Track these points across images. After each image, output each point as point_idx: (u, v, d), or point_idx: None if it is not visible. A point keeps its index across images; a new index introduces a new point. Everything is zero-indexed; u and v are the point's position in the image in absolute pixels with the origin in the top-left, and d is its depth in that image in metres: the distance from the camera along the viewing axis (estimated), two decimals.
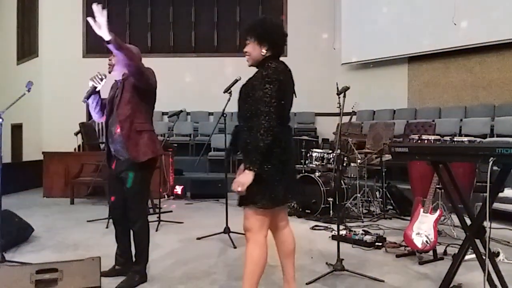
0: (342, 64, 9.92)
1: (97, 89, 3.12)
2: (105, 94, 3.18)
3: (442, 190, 4.12)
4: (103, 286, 2.90)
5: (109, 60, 3.06)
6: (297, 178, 2.52)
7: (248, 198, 2.26)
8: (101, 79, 3.09)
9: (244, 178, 2.18)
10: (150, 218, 5.34)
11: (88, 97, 3.08)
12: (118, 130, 2.91)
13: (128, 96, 2.92)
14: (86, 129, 8.65)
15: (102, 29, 2.48)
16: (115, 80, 3.15)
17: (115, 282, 3.09)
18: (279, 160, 2.29)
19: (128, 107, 2.90)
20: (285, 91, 2.31)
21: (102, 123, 3.26)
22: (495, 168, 2.14)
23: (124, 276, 3.09)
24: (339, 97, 3.39)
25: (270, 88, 2.22)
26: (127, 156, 2.93)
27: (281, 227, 2.53)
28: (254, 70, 2.44)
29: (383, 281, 3.13)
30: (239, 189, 2.18)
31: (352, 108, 6.46)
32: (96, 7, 2.45)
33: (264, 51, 2.34)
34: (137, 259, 3.10)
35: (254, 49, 2.36)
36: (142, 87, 2.91)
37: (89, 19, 2.49)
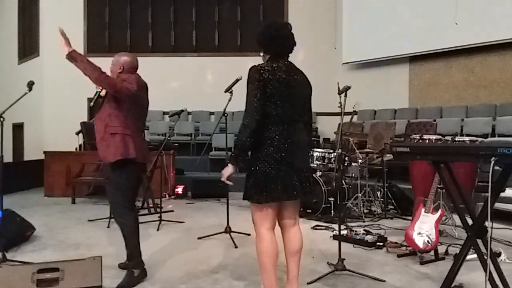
0: (343, 63, 9.91)
1: (100, 94, 3.21)
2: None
3: (444, 190, 4.12)
4: (105, 285, 2.90)
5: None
6: (307, 176, 2.50)
7: (245, 193, 2.43)
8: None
9: (225, 170, 2.43)
10: (151, 217, 5.40)
11: (94, 103, 3.22)
12: (96, 131, 3.10)
13: (105, 101, 3.12)
14: (87, 128, 8.65)
15: (64, 46, 2.91)
16: None
17: (117, 282, 3.10)
18: (273, 158, 2.36)
19: (104, 111, 3.10)
20: (276, 90, 2.37)
21: None
22: (496, 168, 2.13)
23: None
24: (340, 97, 3.39)
25: (250, 88, 2.36)
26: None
27: (288, 225, 2.57)
28: None
29: (384, 281, 3.13)
30: (222, 179, 2.43)
31: (353, 107, 6.47)
32: (60, 29, 2.92)
33: (262, 54, 2.53)
34: (128, 256, 3.16)
35: (262, 55, 2.56)
36: (112, 93, 3.05)
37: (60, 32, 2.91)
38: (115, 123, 3.05)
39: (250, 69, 2.41)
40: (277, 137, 2.38)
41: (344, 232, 4.19)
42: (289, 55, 2.55)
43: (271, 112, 2.37)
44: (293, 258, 2.58)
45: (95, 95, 3.20)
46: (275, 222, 2.52)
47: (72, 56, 2.92)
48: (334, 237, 4.38)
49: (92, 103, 3.21)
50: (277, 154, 2.37)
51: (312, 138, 6.84)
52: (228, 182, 2.45)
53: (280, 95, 2.38)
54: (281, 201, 2.45)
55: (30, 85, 3.57)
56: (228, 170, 2.43)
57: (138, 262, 3.12)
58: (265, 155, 2.38)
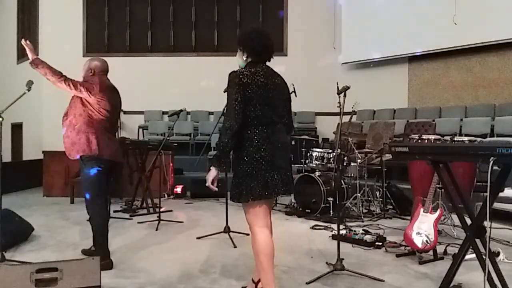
0: (342, 63, 9.91)
1: None
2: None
3: (442, 190, 4.12)
4: (103, 285, 2.90)
5: None
6: (287, 174, 2.58)
7: (231, 194, 2.53)
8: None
9: (208, 174, 2.49)
10: (150, 217, 5.40)
11: None
12: (63, 128, 3.43)
13: (71, 102, 3.45)
14: None
15: (29, 53, 3.26)
16: None
17: (116, 282, 3.11)
18: (253, 158, 2.45)
19: (71, 111, 3.42)
20: (255, 93, 2.46)
21: None
22: (495, 167, 2.13)
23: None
24: (339, 97, 3.39)
25: (230, 92, 2.46)
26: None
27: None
28: None
29: (383, 280, 3.13)
30: (206, 184, 2.49)
31: (352, 107, 6.44)
32: (24, 42, 3.31)
33: (245, 58, 2.60)
34: (95, 247, 3.47)
35: (239, 56, 2.64)
36: (74, 95, 3.42)
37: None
38: (80, 121, 3.35)
39: (230, 74, 2.50)
40: (256, 137, 2.47)
41: (343, 232, 4.19)
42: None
43: (250, 114, 2.46)
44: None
45: None
46: (268, 220, 2.57)
47: (35, 63, 3.26)
48: (333, 237, 4.38)
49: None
50: (257, 154, 2.45)
51: (311, 138, 6.83)
52: (213, 188, 2.49)
53: (259, 98, 2.47)
54: (262, 199, 2.48)
55: (29, 85, 3.57)
56: (212, 173, 2.48)
57: (104, 252, 3.35)
58: (245, 156, 2.47)
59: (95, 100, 3.35)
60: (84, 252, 3.75)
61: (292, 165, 2.80)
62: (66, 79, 3.30)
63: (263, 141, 2.47)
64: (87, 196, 3.43)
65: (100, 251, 3.33)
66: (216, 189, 2.50)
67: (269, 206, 2.62)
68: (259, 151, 2.46)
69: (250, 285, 2.81)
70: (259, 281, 2.62)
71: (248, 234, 4.33)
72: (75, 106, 3.39)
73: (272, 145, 2.49)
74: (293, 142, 8.19)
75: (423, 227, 3.56)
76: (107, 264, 3.32)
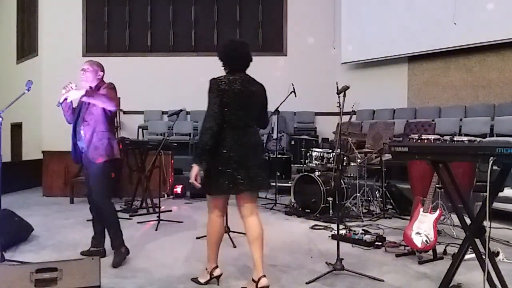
0: (342, 63, 9.91)
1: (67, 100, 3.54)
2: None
3: (442, 190, 4.12)
4: (103, 285, 2.90)
5: (82, 73, 3.61)
6: (255, 172, 2.85)
7: (202, 186, 2.82)
8: (71, 88, 3.48)
9: (191, 172, 2.75)
10: (150, 217, 5.41)
11: (62, 103, 3.54)
12: (83, 133, 3.50)
13: (93, 109, 3.50)
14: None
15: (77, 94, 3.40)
16: (86, 91, 3.54)
17: (115, 282, 3.10)
18: (223, 157, 2.76)
19: (92, 117, 3.49)
20: (231, 99, 2.77)
21: None
22: (495, 167, 2.14)
23: (96, 255, 3.20)
24: (339, 97, 3.40)
25: (211, 96, 2.78)
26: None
27: (246, 215, 2.92)
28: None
29: (382, 280, 3.13)
30: (190, 180, 2.78)
31: (352, 107, 6.43)
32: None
33: (223, 67, 2.95)
34: (112, 237, 3.59)
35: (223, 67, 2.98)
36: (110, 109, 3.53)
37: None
38: (102, 128, 3.50)
39: (210, 80, 2.82)
40: (228, 139, 2.77)
41: (342, 231, 4.19)
42: (246, 68, 2.94)
43: (225, 118, 2.77)
44: (254, 245, 2.86)
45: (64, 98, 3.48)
46: (225, 211, 3.01)
47: (88, 95, 3.41)
48: (333, 236, 4.38)
49: (59, 103, 3.54)
50: (228, 154, 2.76)
51: (310, 138, 6.82)
52: (196, 184, 2.78)
53: (234, 103, 2.78)
54: (229, 194, 2.88)
55: (29, 85, 3.58)
56: (194, 170, 2.75)
57: (121, 241, 3.59)
58: (218, 154, 2.77)
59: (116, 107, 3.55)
60: (84, 253, 3.76)
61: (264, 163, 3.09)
62: (107, 98, 3.45)
63: (234, 142, 2.78)
64: (101, 195, 3.55)
65: (117, 236, 3.59)
66: (199, 185, 2.80)
67: (251, 198, 2.93)
68: (230, 151, 2.76)
69: (250, 285, 2.87)
70: (259, 279, 2.77)
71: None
72: (96, 111, 3.49)
73: (242, 146, 2.79)
74: (292, 142, 8.22)
75: (422, 227, 3.56)
76: (126, 249, 3.63)
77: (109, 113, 3.52)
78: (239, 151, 2.78)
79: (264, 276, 2.80)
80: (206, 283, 3.02)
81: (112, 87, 3.57)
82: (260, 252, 2.84)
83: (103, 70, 3.67)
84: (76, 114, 3.60)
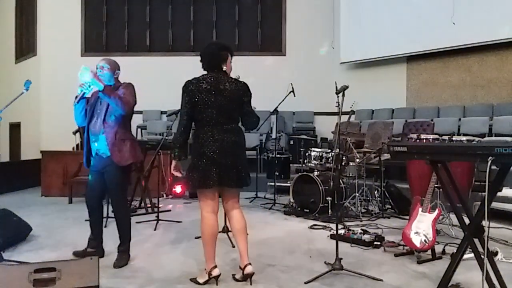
0: (341, 63, 9.91)
1: (85, 95, 3.42)
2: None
3: (441, 189, 4.13)
4: (101, 285, 2.89)
5: (99, 69, 3.46)
6: (228, 169, 2.98)
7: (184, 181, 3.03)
8: (90, 86, 3.35)
9: (172, 165, 3.08)
10: (148, 217, 5.40)
11: (78, 102, 3.40)
12: (104, 136, 3.38)
13: (109, 109, 3.39)
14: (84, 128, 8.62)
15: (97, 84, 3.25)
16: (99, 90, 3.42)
17: (114, 282, 3.10)
18: (198, 153, 2.94)
19: (112, 118, 3.39)
20: (199, 98, 2.93)
21: None
22: (493, 167, 2.14)
23: (93, 255, 3.17)
24: (338, 96, 3.40)
25: (182, 97, 2.99)
26: (108, 154, 3.41)
27: (229, 209, 3.11)
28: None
29: (381, 280, 3.14)
30: (171, 171, 3.09)
31: (350, 107, 6.46)
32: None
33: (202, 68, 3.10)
34: (123, 240, 3.58)
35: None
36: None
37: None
38: (124, 129, 3.45)
39: (184, 83, 3.02)
40: (201, 135, 2.95)
41: (341, 231, 4.20)
42: (222, 67, 3.04)
43: (197, 116, 2.95)
44: (238, 236, 3.06)
45: (82, 94, 3.34)
46: (216, 207, 3.04)
47: (106, 92, 3.27)
48: (332, 236, 4.38)
49: (75, 103, 3.38)
50: (201, 150, 2.93)
51: (309, 138, 6.83)
52: (177, 173, 3.08)
53: (202, 102, 2.93)
54: (202, 188, 2.96)
55: (27, 84, 3.57)
56: (172, 163, 3.07)
57: (128, 246, 3.61)
58: (193, 151, 2.99)
59: (133, 109, 3.50)
60: (77, 254, 3.69)
61: (245, 161, 3.13)
62: (123, 100, 3.37)
63: (206, 139, 2.93)
64: (121, 199, 3.57)
65: (127, 240, 3.61)
66: (180, 174, 3.09)
67: (233, 193, 3.08)
68: (203, 147, 2.93)
69: (237, 272, 3.12)
70: (245, 267, 3.00)
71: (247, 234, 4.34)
72: (117, 115, 3.40)
73: (216, 143, 2.92)
74: (291, 142, 8.22)
75: (421, 226, 3.56)
76: (129, 256, 3.62)
77: (128, 114, 3.44)
78: (212, 148, 2.91)
79: (250, 264, 3.00)
80: (205, 283, 3.02)
81: (131, 88, 3.47)
82: (244, 242, 3.04)
83: (119, 69, 3.59)
84: (89, 115, 3.47)
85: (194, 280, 3.08)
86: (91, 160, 3.56)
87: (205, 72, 3.06)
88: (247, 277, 3.02)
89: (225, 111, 2.96)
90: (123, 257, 3.52)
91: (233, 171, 2.96)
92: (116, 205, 3.57)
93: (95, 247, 3.68)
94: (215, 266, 3.02)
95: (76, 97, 3.37)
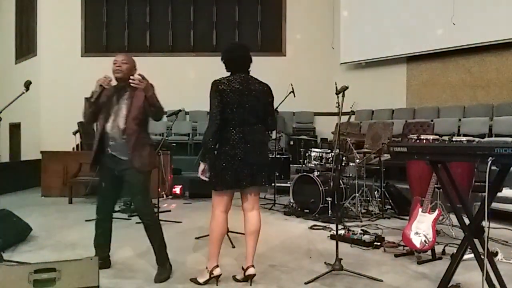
0: (341, 63, 9.92)
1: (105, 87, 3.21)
2: None
3: (441, 190, 4.12)
4: (101, 285, 2.89)
5: (117, 65, 3.21)
6: (259, 169, 2.99)
7: (209, 182, 2.99)
8: (109, 82, 3.20)
9: (199, 168, 3.00)
10: None
11: (96, 98, 3.18)
12: (123, 135, 3.13)
13: (136, 113, 3.17)
14: (85, 128, 8.63)
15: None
16: (114, 87, 3.25)
17: (114, 282, 3.10)
18: (228, 154, 2.91)
19: (135, 122, 3.17)
20: (231, 98, 2.91)
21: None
22: (493, 167, 2.14)
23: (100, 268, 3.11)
24: (337, 97, 3.40)
25: (211, 97, 2.95)
26: (128, 157, 3.15)
27: (246, 209, 3.08)
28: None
29: (381, 280, 3.14)
30: (198, 174, 3.03)
31: (350, 107, 6.47)
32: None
33: (225, 69, 3.10)
34: (158, 250, 3.26)
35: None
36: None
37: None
38: (144, 133, 3.27)
39: (212, 82, 2.97)
40: (233, 137, 2.92)
41: (341, 232, 4.19)
42: (248, 69, 3.08)
43: (228, 117, 2.92)
44: (249, 237, 3.04)
45: (101, 91, 3.17)
46: (229, 207, 3.05)
47: (147, 89, 3.15)
48: (332, 237, 4.38)
49: (92, 99, 3.18)
50: (232, 151, 2.91)
51: (309, 138, 6.83)
52: (203, 177, 3.01)
53: (234, 102, 2.91)
54: (233, 189, 2.98)
55: (27, 84, 3.56)
56: (200, 167, 3.00)
57: (167, 254, 3.31)
58: (223, 152, 2.93)
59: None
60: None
61: (268, 160, 3.17)
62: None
63: (238, 140, 2.92)
64: (148, 207, 3.29)
65: (163, 248, 3.31)
66: (206, 178, 3.00)
67: (254, 194, 3.06)
68: (234, 149, 2.91)
69: (239, 273, 3.11)
70: (247, 268, 3.01)
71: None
72: (140, 118, 3.18)
73: (247, 144, 2.93)
74: (291, 142, 8.22)
75: (421, 227, 3.56)
76: (171, 266, 3.32)
77: (148, 118, 3.25)
78: (243, 149, 2.91)
79: (253, 266, 3.01)
80: (205, 283, 3.02)
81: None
82: (253, 245, 3.04)
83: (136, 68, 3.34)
84: (105, 115, 3.20)
85: (194, 280, 3.08)
86: (102, 158, 3.24)
87: (228, 74, 3.06)
88: (248, 278, 3.02)
89: (254, 111, 2.99)
90: (164, 270, 3.22)
91: (264, 170, 3.00)
92: (142, 211, 3.27)
93: (102, 258, 3.33)
94: (217, 266, 3.02)
95: (93, 93, 3.18)
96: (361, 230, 4.47)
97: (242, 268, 3.06)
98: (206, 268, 3.04)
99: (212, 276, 3.00)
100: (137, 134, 3.15)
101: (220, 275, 3.03)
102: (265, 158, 3.07)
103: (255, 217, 3.07)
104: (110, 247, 3.47)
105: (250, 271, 3.00)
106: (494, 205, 4.78)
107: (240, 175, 2.91)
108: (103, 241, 3.41)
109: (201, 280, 3.04)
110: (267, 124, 3.12)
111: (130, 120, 3.14)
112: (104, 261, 3.39)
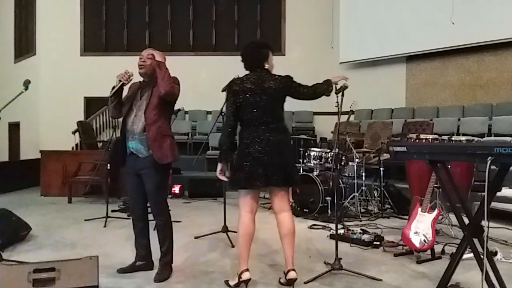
0: (340, 63, 9.91)
1: (124, 87, 3.21)
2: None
3: (440, 189, 4.13)
4: (101, 285, 2.89)
5: (142, 60, 3.20)
6: (275, 168, 2.89)
7: (228, 182, 3.00)
8: (129, 77, 3.19)
9: (217, 169, 2.98)
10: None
11: (115, 93, 3.17)
12: (144, 131, 3.09)
13: (156, 102, 3.11)
14: (84, 127, 8.63)
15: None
16: (140, 82, 3.27)
17: (114, 282, 3.10)
18: (243, 153, 2.89)
19: (155, 111, 3.10)
20: (244, 99, 2.89)
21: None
22: (493, 167, 2.14)
23: (143, 270, 3.25)
24: (337, 96, 3.39)
25: (226, 97, 2.98)
26: (147, 154, 3.12)
27: (277, 211, 2.99)
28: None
29: (381, 280, 3.14)
30: (217, 174, 3.00)
31: (350, 107, 6.42)
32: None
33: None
34: (166, 251, 3.24)
35: None
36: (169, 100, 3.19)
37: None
38: (165, 124, 3.18)
39: (228, 83, 3.00)
40: (247, 135, 2.91)
41: (341, 231, 4.20)
42: (263, 65, 3.00)
43: (242, 117, 2.92)
44: (285, 240, 2.94)
45: (119, 86, 3.14)
46: (254, 207, 2.99)
47: (160, 66, 3.13)
48: (331, 236, 4.38)
49: (112, 93, 3.15)
50: (246, 150, 2.88)
51: (309, 137, 6.84)
52: (222, 177, 2.98)
53: (247, 102, 2.90)
54: (248, 189, 2.91)
55: (27, 84, 3.55)
56: (218, 167, 2.98)
57: (171, 257, 3.27)
58: (239, 152, 2.94)
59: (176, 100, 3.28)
60: (124, 270, 3.32)
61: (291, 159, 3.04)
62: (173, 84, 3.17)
63: (252, 139, 2.88)
64: (163, 203, 3.24)
65: (170, 250, 3.26)
66: (225, 179, 2.98)
67: (282, 195, 2.97)
68: (248, 148, 2.87)
69: (282, 277, 3.05)
70: (288, 272, 2.90)
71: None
72: (160, 107, 3.12)
73: (262, 143, 2.87)
74: (291, 142, 8.22)
75: (421, 226, 3.56)
76: (171, 268, 3.28)
77: (171, 108, 3.23)
78: (257, 148, 2.86)
79: (294, 269, 2.90)
80: (236, 286, 2.92)
81: (177, 80, 3.24)
82: (289, 247, 2.92)
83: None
84: (127, 110, 3.20)
85: (226, 282, 3.01)
86: (126, 160, 3.24)
87: (248, 72, 3.01)
88: (290, 283, 2.93)
89: (270, 110, 2.91)
90: (165, 271, 3.20)
91: (280, 170, 2.87)
92: (156, 211, 3.23)
93: (144, 259, 3.36)
94: (247, 269, 2.89)
95: (114, 87, 3.16)
96: (361, 229, 4.47)
97: (284, 272, 2.98)
98: (237, 272, 2.94)
99: (240, 280, 2.88)
100: (157, 124, 3.09)
101: (249, 279, 2.89)
102: (284, 159, 2.91)
103: (286, 218, 2.94)
104: (151, 248, 3.39)
105: (291, 275, 2.88)
106: (494, 204, 4.78)
107: (253, 175, 2.83)
108: (141, 241, 3.37)
109: (231, 283, 2.96)
110: (280, 123, 2.98)
111: (150, 109, 3.10)
112: (147, 262, 3.35)
